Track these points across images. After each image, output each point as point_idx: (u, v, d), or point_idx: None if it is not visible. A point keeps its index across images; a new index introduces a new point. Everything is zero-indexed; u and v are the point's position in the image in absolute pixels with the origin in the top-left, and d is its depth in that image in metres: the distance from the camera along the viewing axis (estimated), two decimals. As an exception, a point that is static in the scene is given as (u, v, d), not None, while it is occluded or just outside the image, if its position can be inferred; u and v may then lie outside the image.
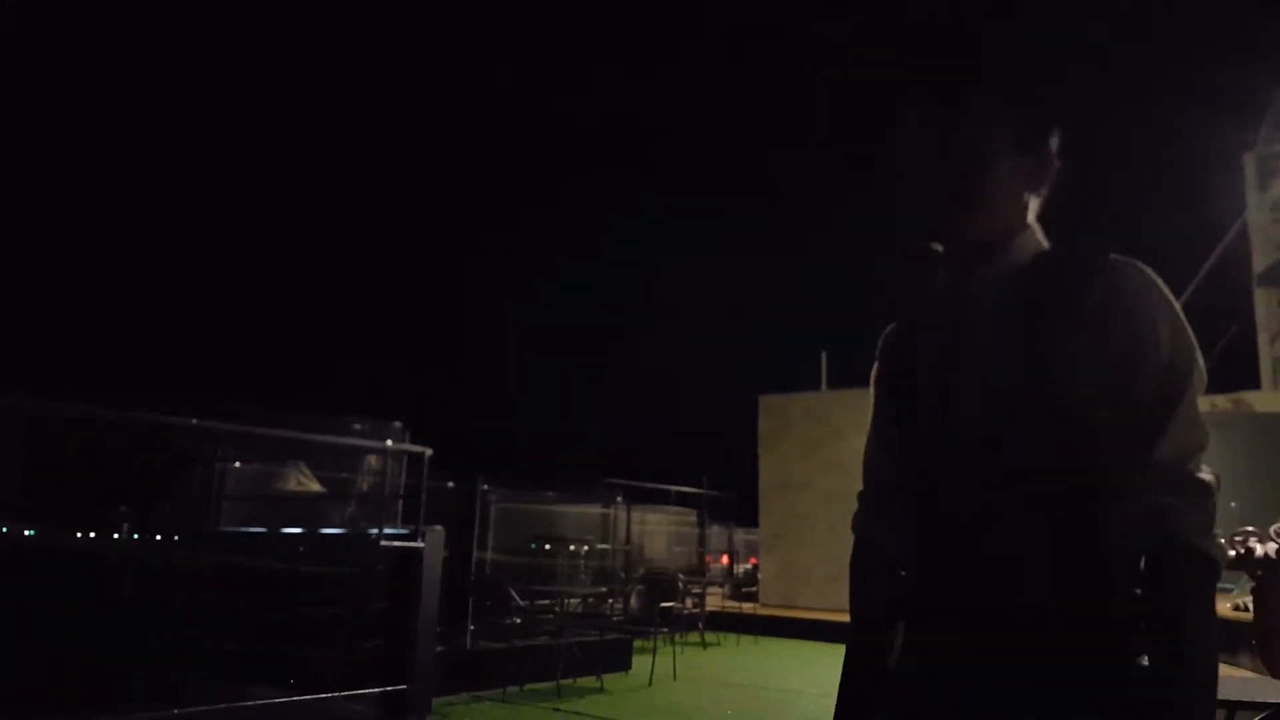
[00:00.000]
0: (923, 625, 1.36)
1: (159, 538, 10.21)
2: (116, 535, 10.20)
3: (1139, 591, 1.24)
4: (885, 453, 1.55)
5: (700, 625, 12.43)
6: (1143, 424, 1.23)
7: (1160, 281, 1.28)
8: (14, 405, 5.35)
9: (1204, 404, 1.26)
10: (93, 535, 9.88)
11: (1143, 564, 1.20)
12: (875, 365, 1.61)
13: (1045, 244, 1.42)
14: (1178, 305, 1.29)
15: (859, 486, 1.64)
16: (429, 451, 6.62)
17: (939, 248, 1.45)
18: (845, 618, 1.57)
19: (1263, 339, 19.32)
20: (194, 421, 5.29)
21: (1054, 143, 1.42)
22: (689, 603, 12.39)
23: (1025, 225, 1.42)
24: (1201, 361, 1.28)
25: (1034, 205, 1.43)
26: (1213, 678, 1.19)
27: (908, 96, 1.47)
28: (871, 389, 1.62)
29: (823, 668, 9.53)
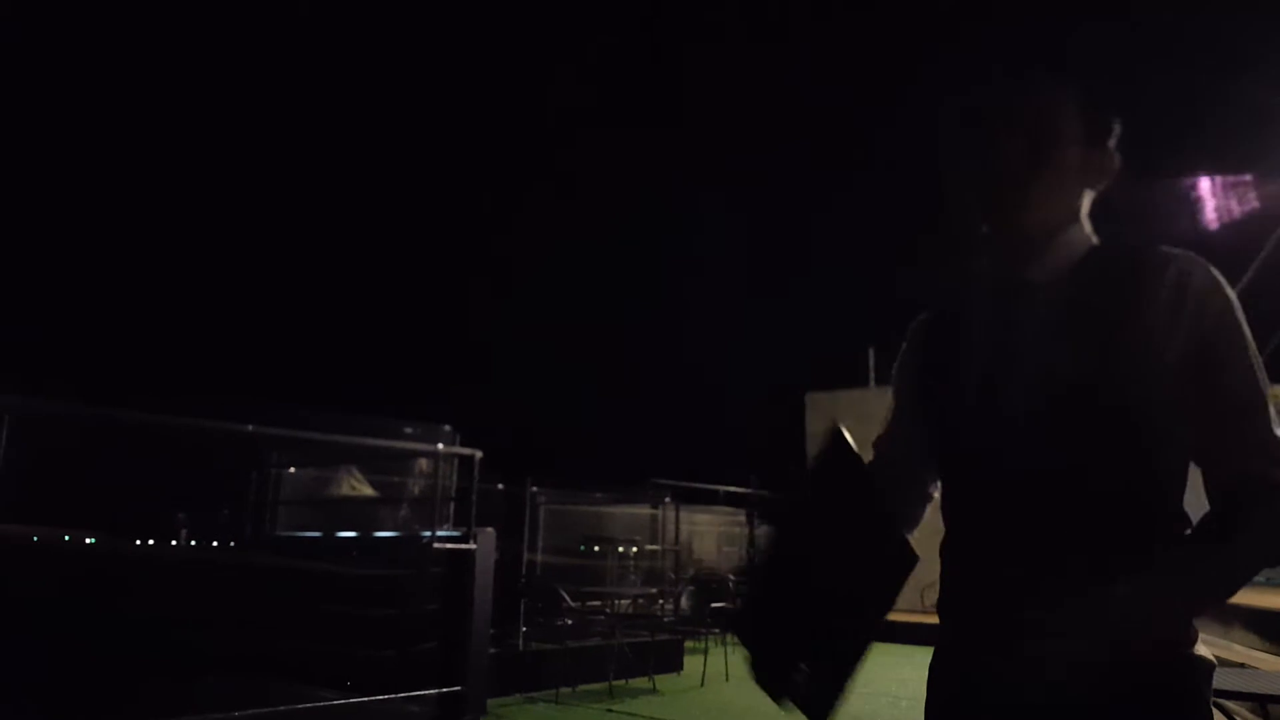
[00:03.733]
0: (971, 617, 1.36)
1: (215, 544, 10.39)
2: (175, 542, 10.39)
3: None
4: (901, 441, 1.56)
5: (751, 625, 12.37)
6: (1245, 411, 1.23)
7: (1218, 274, 1.27)
8: (70, 412, 5.48)
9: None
10: (151, 542, 10.07)
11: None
12: (903, 353, 1.60)
13: (1095, 239, 1.41)
14: (1235, 297, 1.28)
15: None
16: (479, 454, 6.67)
17: (988, 230, 1.43)
18: (900, 617, 1.57)
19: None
20: (250, 428, 5.38)
21: (1116, 139, 1.41)
22: (740, 603, 12.33)
23: (1077, 219, 1.40)
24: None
25: (1088, 200, 1.42)
26: (1231, 583, 1.21)
27: (985, 79, 1.46)
28: (895, 376, 1.61)
29: (874, 666, 9.44)
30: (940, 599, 1.44)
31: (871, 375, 16.25)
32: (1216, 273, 1.27)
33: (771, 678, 1.25)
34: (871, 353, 16.20)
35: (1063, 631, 1.19)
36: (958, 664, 1.38)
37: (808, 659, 1.22)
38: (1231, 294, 1.27)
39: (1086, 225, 1.41)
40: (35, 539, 7.70)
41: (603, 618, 9.67)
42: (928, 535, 1.55)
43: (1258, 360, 1.25)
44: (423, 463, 9.47)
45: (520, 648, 8.18)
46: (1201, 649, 1.25)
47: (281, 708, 5.24)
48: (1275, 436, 1.22)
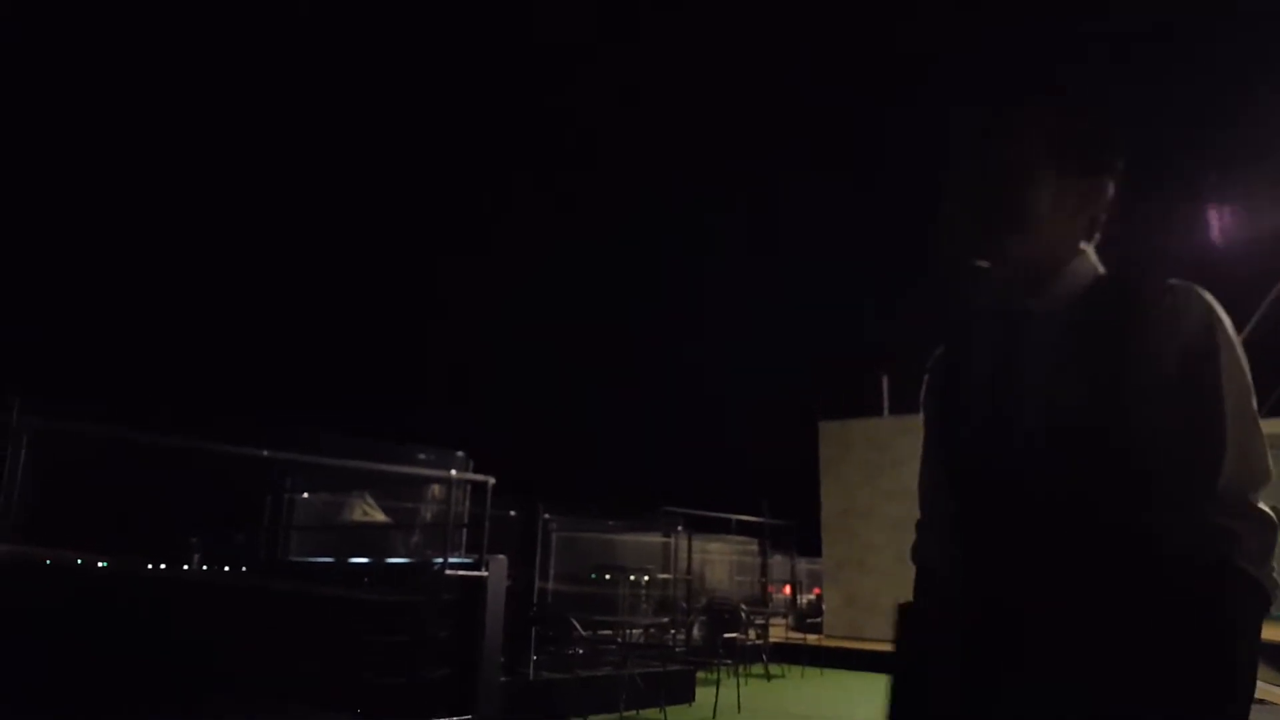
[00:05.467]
0: (977, 638, 1.36)
1: (228, 568, 10.39)
2: (187, 566, 10.40)
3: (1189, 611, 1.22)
4: (941, 479, 1.55)
5: (764, 657, 12.31)
6: (1202, 452, 1.22)
7: (1219, 307, 1.27)
8: (89, 433, 5.51)
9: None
10: (164, 566, 10.09)
11: (1195, 585, 1.19)
12: (925, 387, 1.61)
13: (1100, 269, 1.41)
14: (1234, 332, 1.28)
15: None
16: (492, 480, 6.67)
17: (984, 264, 1.45)
18: (888, 646, 1.57)
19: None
20: (264, 453, 5.40)
21: (1109, 167, 1.41)
22: (752, 634, 12.27)
23: (1078, 250, 1.41)
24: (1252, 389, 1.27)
25: (1087, 229, 1.43)
26: (1245, 707, 1.17)
27: (958, 115, 1.48)
28: (923, 413, 1.62)
29: (859, 696, 9.35)
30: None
31: (885, 404, 16.20)
32: (1212, 301, 1.27)
33: None
34: (885, 381, 16.15)
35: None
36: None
37: None
38: (1220, 322, 1.26)
39: (1090, 254, 1.42)
40: (48, 561, 7.72)
41: (614, 647, 9.62)
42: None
43: (1239, 390, 1.24)
44: (435, 489, 9.47)
45: (531, 676, 8.12)
46: None
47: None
48: (1238, 490, 1.21)
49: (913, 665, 1.43)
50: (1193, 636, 1.17)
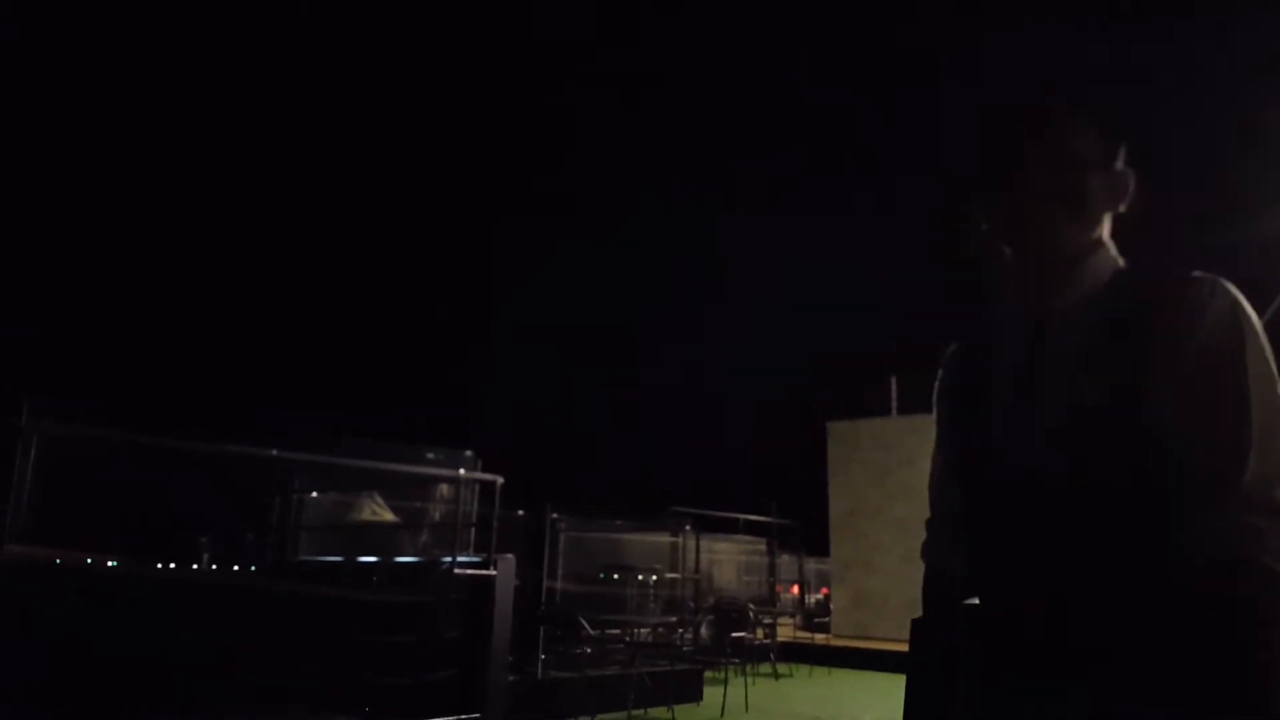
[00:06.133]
0: (996, 637, 1.35)
1: (236, 568, 10.41)
2: (196, 565, 10.42)
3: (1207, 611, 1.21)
4: (954, 476, 1.54)
5: (772, 656, 12.29)
6: (1226, 448, 1.20)
7: (1243, 300, 1.26)
8: (100, 436, 5.52)
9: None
10: (173, 566, 10.10)
11: (1215, 584, 1.17)
12: (939, 384, 1.60)
13: (1120, 261, 1.40)
14: (1260, 326, 1.26)
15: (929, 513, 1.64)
16: (500, 480, 6.67)
17: (1011, 258, 1.43)
18: (890, 645, 1.57)
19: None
20: (274, 452, 5.41)
21: (1130, 159, 1.41)
22: (760, 633, 12.26)
23: (1102, 242, 1.40)
24: None
25: (1108, 221, 1.42)
26: (1274, 711, 1.14)
27: (1005, 106, 1.46)
28: (935, 410, 1.60)
29: (898, 700, 9.31)
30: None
31: (894, 404, 16.17)
32: (1237, 294, 1.25)
33: None
34: (894, 381, 16.13)
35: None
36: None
37: None
38: (1246, 315, 1.25)
39: (1111, 248, 1.41)
40: (58, 561, 7.73)
41: (622, 646, 9.62)
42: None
43: (1265, 384, 1.22)
44: (444, 488, 9.47)
45: (539, 675, 8.12)
46: None
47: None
48: (1261, 485, 1.18)
49: (929, 669, 1.43)
50: (1211, 636, 1.15)
